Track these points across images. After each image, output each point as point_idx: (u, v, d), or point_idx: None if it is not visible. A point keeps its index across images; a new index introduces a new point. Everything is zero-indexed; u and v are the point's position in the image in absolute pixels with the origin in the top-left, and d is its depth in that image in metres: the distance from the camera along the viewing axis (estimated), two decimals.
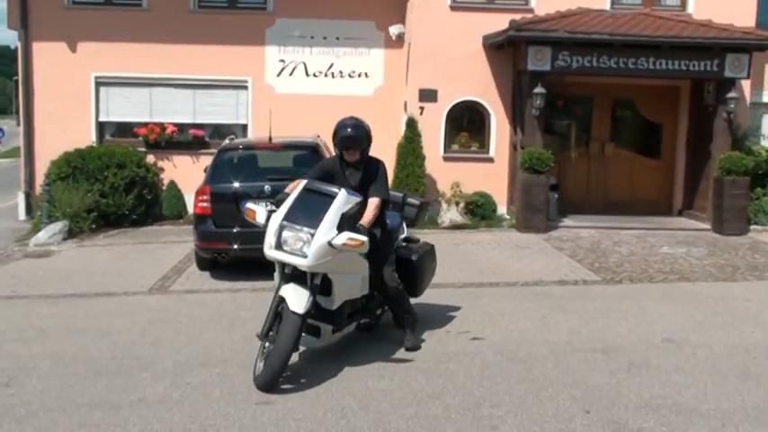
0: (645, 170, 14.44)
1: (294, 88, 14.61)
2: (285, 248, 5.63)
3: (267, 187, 9.27)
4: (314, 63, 14.69)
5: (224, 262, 9.53)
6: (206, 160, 11.79)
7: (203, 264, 9.74)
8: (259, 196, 9.27)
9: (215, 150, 10.63)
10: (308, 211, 5.70)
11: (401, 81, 14.44)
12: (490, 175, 13.80)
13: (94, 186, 12.93)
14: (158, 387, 5.62)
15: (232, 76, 14.54)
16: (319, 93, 14.53)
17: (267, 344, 5.65)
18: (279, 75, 14.67)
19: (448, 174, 13.57)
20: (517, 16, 12.73)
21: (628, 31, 12.49)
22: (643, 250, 11.17)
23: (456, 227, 12.92)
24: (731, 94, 12.82)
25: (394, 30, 14.32)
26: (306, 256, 5.55)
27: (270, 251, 5.71)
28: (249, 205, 5.94)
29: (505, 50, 13.55)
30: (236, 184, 9.45)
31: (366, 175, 6.18)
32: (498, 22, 12.77)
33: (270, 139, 10.09)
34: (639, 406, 5.31)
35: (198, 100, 14.72)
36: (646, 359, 6.33)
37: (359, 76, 14.76)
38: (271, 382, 5.45)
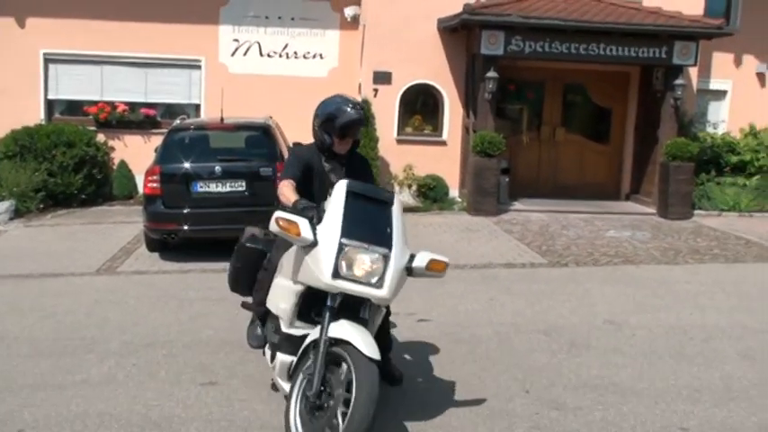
0: (594, 155, 14.69)
1: (248, 68, 14.52)
2: (348, 276, 4.19)
3: (218, 168, 9.30)
4: (268, 43, 14.60)
5: (173, 243, 9.49)
6: (157, 140, 11.66)
7: (152, 245, 9.67)
8: (210, 177, 9.29)
9: (166, 130, 10.54)
10: (367, 225, 4.33)
11: (356, 63, 14.43)
12: (443, 158, 13.90)
13: (42, 165, 12.71)
14: (103, 368, 5.61)
15: (185, 55, 14.37)
16: (273, 73, 14.49)
17: (313, 409, 4.17)
18: (233, 54, 14.54)
19: (401, 156, 13.64)
20: (471, 0, 12.80)
21: (580, 17, 12.65)
22: (590, 234, 11.40)
23: (408, 209, 12.99)
24: (678, 81, 13.07)
25: (349, 11, 14.30)
26: (381, 287, 4.22)
27: (330, 281, 4.15)
28: (284, 215, 4.23)
29: (459, 34, 13.62)
30: (187, 165, 9.40)
31: (352, 172, 4.81)
32: (453, 6, 12.80)
33: (222, 119, 10.06)
34: (578, 385, 5.46)
35: (150, 79, 14.52)
36: (587, 340, 6.50)
37: (313, 57, 14.71)
38: None
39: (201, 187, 9.28)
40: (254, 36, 14.55)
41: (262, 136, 9.92)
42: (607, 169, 14.75)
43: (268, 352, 4.86)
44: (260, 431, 4.60)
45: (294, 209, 4.34)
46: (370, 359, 4.06)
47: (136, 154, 13.77)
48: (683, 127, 13.82)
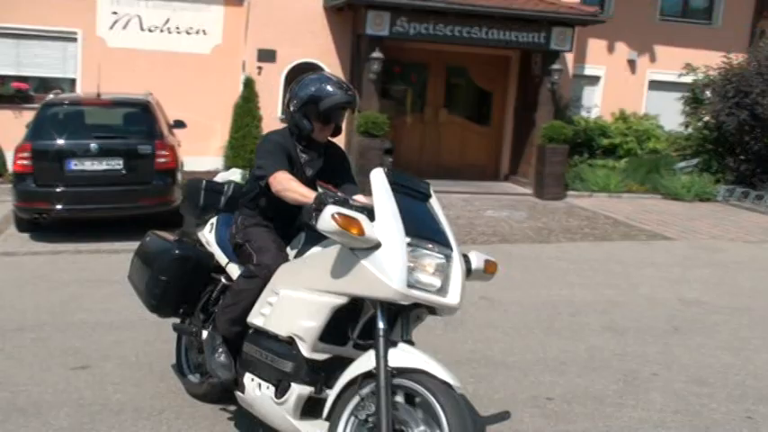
0: (475, 136, 15.09)
1: (128, 43, 14.03)
2: (414, 283, 3.41)
3: (93, 145, 8.99)
4: (149, 17, 14.15)
5: (45, 223, 9.14)
6: (29, 115, 11.07)
7: (23, 225, 9.27)
8: (85, 155, 8.98)
9: (39, 105, 10.09)
10: (421, 221, 3.62)
11: (240, 40, 14.21)
12: None
13: None
14: None
15: (60, 26, 13.76)
16: (154, 48, 14.08)
17: None
18: (111, 28, 14.02)
19: None
20: None
21: (463, 1, 12.90)
22: (469, 213, 11.73)
23: None
24: (555, 66, 13.56)
25: None
26: (446, 294, 3.52)
27: (405, 289, 3.34)
28: (342, 211, 3.37)
29: (345, 13, 13.64)
30: (61, 141, 9.06)
31: (330, 163, 4.24)
32: None
33: (98, 94, 9.74)
34: (451, 361, 5.56)
35: (22, 51, 13.84)
36: (462, 316, 6.64)
37: (196, 33, 14.37)
38: None
39: (76, 165, 8.96)
40: (135, 9, 14.08)
41: (140, 113, 9.66)
42: (487, 151, 15.18)
43: (252, 381, 3.90)
44: (133, 414, 4.53)
45: (323, 203, 3.50)
46: (456, 387, 3.32)
47: (6, 130, 13.05)
48: (559, 111, 14.37)
